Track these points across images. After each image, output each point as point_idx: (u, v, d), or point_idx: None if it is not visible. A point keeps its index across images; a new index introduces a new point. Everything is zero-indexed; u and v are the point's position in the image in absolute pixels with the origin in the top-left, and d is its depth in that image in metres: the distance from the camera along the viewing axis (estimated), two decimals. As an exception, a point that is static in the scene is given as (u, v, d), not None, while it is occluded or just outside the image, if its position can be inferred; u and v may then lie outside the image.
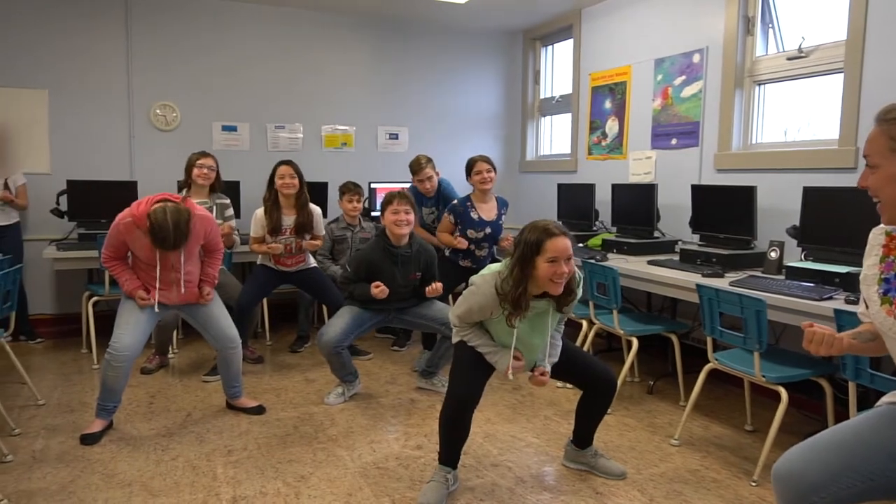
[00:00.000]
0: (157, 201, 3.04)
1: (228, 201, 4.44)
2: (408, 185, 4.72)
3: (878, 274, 1.63)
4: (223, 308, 3.43)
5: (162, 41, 5.20)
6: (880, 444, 1.60)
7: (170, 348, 4.49)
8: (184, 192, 4.12)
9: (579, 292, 2.57)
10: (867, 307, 1.65)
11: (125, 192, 4.68)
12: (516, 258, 2.43)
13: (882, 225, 1.67)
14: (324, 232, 4.39)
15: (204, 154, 4.25)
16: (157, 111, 5.23)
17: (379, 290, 3.48)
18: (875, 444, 1.61)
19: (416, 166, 4.58)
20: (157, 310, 3.23)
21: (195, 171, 4.18)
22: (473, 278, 2.60)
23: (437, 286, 3.60)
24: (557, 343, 2.70)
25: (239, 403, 3.53)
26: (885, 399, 1.75)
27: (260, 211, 4.22)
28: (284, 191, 4.15)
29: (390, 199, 3.58)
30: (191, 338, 4.95)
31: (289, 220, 4.19)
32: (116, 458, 2.95)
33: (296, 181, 4.16)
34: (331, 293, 4.30)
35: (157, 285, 3.18)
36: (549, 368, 2.64)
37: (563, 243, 2.38)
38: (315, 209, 4.30)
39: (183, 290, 3.25)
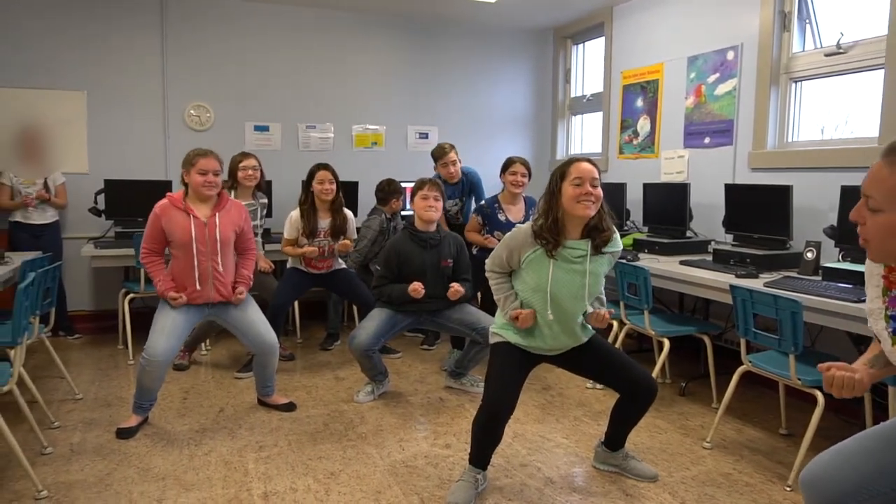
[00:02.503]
0: None
1: (265, 199, 4.52)
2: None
3: (884, 309, 1.56)
4: (259, 312, 3.44)
5: (196, 43, 5.29)
6: None
7: (201, 345, 4.56)
8: (231, 193, 4.16)
9: (616, 236, 2.55)
10: (878, 340, 1.59)
11: (160, 191, 4.69)
12: (545, 193, 2.50)
13: None
14: (356, 235, 4.42)
15: (246, 155, 4.27)
16: (192, 112, 5.32)
17: (415, 289, 3.48)
18: None
19: (440, 151, 4.62)
20: (189, 313, 3.26)
21: (240, 173, 4.20)
22: None
23: (458, 288, 3.56)
24: (603, 298, 2.68)
25: (270, 401, 3.57)
26: None
27: (296, 213, 4.23)
28: (323, 196, 4.16)
29: (421, 184, 3.62)
30: (223, 335, 5.03)
31: (324, 223, 4.22)
32: (151, 453, 3.01)
33: (334, 186, 4.18)
34: (361, 292, 4.32)
35: (196, 274, 3.21)
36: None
37: (587, 166, 2.45)
38: (348, 212, 4.33)
39: (215, 286, 3.28)
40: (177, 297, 3.22)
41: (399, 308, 3.63)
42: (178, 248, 3.23)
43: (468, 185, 4.82)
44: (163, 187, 4.82)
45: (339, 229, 4.24)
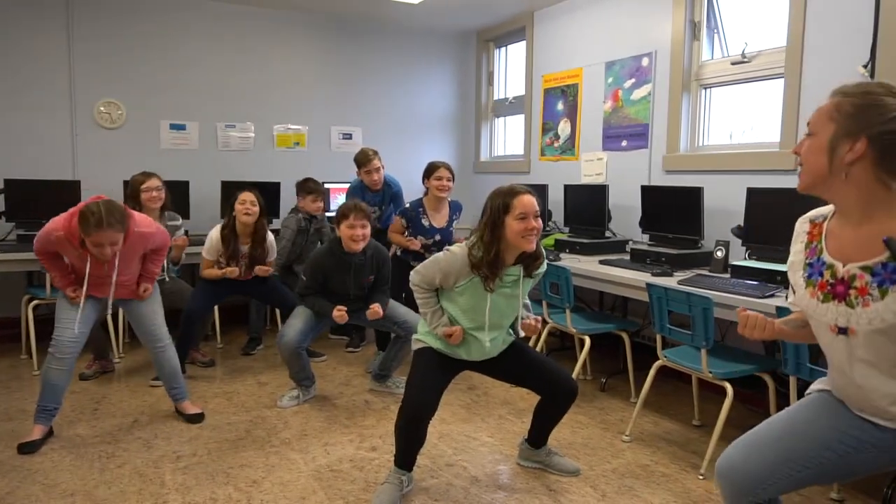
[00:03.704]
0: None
1: (180, 221, 4.32)
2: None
3: (804, 259, 1.69)
4: (158, 307, 3.35)
5: (106, 36, 5.05)
6: (811, 433, 1.67)
7: (112, 352, 4.36)
8: None
9: (544, 263, 2.62)
10: (794, 293, 1.72)
11: (67, 191, 4.53)
12: (485, 223, 2.47)
13: (806, 215, 1.73)
14: (275, 256, 4.30)
15: (148, 175, 4.03)
16: (102, 108, 5.07)
17: (339, 315, 3.48)
18: (806, 433, 1.67)
19: (364, 158, 4.53)
20: (93, 302, 3.15)
21: (143, 195, 3.97)
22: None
23: (376, 310, 3.55)
24: (528, 304, 2.77)
25: (180, 407, 3.44)
26: (813, 387, 1.82)
27: (216, 235, 4.04)
28: (243, 218, 3.99)
29: (346, 212, 3.51)
30: (137, 341, 4.81)
31: (244, 248, 4.09)
32: (58, 467, 2.85)
33: (256, 209, 4.02)
34: (285, 298, 4.24)
35: (85, 287, 3.08)
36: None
37: (530, 199, 2.45)
38: (271, 241, 4.20)
39: (117, 290, 3.18)
40: (74, 296, 3.09)
41: None
42: (74, 270, 3.11)
43: (389, 195, 4.76)
44: (70, 187, 4.59)
45: (258, 259, 4.12)
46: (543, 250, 2.63)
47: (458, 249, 2.55)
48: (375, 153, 4.56)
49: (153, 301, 3.35)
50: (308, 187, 4.59)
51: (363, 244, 3.53)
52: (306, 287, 3.62)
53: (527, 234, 2.42)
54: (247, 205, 3.99)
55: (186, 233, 4.46)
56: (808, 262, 1.67)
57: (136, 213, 3.11)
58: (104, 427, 3.31)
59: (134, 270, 3.24)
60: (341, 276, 3.58)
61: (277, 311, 4.98)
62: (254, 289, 4.25)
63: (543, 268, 2.64)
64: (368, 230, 3.55)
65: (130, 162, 4.13)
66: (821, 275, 1.62)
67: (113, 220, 2.85)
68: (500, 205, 2.45)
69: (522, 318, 2.69)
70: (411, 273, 2.66)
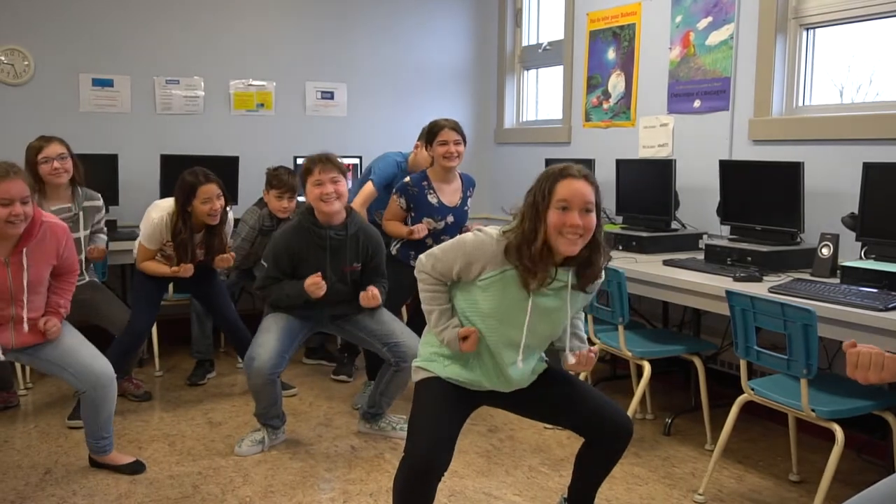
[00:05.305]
0: None
1: (100, 202, 4.31)
2: (346, 162, 4.69)
3: None
4: (79, 334, 3.35)
5: (9, -37, 5.09)
6: None
7: (16, 381, 4.39)
8: (35, 197, 3.95)
9: (601, 276, 2.58)
10: None
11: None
12: (529, 202, 2.46)
13: None
14: (231, 240, 4.35)
15: (46, 139, 4.01)
16: (2, 59, 5.10)
17: (315, 283, 3.47)
18: None
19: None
20: None
21: (42, 167, 3.95)
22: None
23: (374, 292, 3.59)
24: (581, 333, 2.72)
25: (108, 460, 3.44)
26: None
27: (160, 218, 4.02)
28: (211, 220, 4.00)
29: (310, 166, 3.54)
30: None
31: (197, 237, 4.10)
32: (-54, 534, 2.88)
33: (223, 201, 4.03)
34: (226, 312, 4.32)
35: None
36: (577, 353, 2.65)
37: (580, 186, 2.40)
38: (228, 218, 4.22)
39: (26, 328, 3.16)
40: None
41: (295, 312, 3.64)
42: None
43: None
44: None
45: (217, 248, 4.15)
46: (603, 258, 2.55)
47: (491, 230, 2.54)
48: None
49: (71, 332, 3.33)
50: (275, 180, 4.49)
51: (338, 204, 3.55)
52: (268, 277, 3.63)
53: (565, 232, 2.39)
54: (213, 202, 3.96)
55: (114, 225, 4.47)
56: None
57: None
58: (6, 482, 3.32)
59: (43, 300, 3.24)
60: (315, 258, 3.59)
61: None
62: (199, 290, 4.27)
63: (598, 285, 2.62)
64: (343, 186, 3.56)
65: (39, 129, 4.13)
66: None
67: (9, 168, 2.98)
68: (544, 188, 2.43)
69: (572, 350, 2.64)
70: (420, 257, 2.65)
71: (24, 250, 3.09)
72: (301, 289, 3.52)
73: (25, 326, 3.15)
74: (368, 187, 4.47)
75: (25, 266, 3.09)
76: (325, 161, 3.54)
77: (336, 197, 3.52)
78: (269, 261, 3.65)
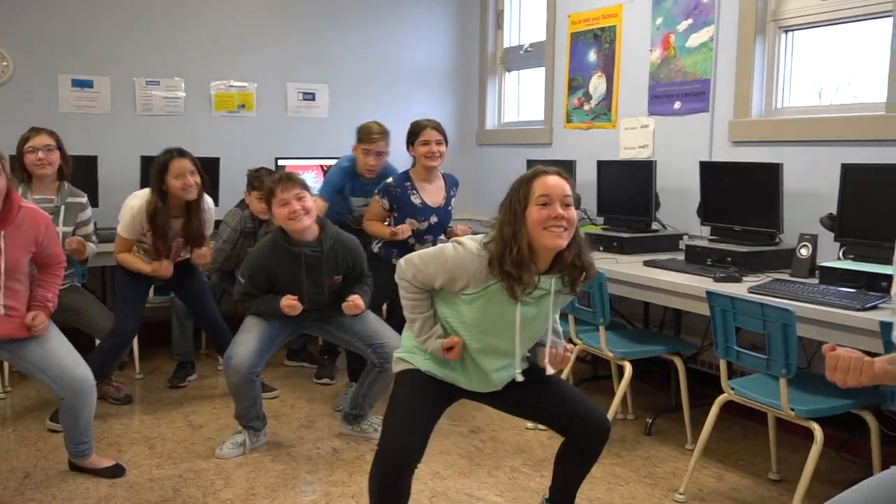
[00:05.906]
0: None
1: (85, 199, 4.27)
2: (326, 164, 4.69)
3: None
4: (63, 338, 3.31)
5: (-14, -37, 5.04)
6: None
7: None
8: (20, 188, 3.92)
9: (593, 272, 2.57)
10: None
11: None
12: (505, 211, 2.47)
13: None
14: (211, 230, 4.31)
15: (37, 130, 4.01)
16: (-20, 59, 5.07)
17: (289, 305, 3.50)
18: None
19: (367, 133, 4.38)
20: None
21: (28, 157, 3.95)
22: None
23: (357, 302, 3.59)
24: (557, 326, 2.74)
25: (87, 464, 3.42)
26: None
27: (139, 206, 3.98)
28: (186, 195, 3.95)
29: (272, 187, 3.51)
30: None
31: (176, 223, 4.07)
32: (-78, 539, 2.85)
33: (197, 177, 3.98)
34: (208, 306, 4.32)
35: None
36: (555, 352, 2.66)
37: (556, 181, 2.43)
38: (208, 203, 4.19)
39: (2, 311, 3.11)
40: None
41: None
42: None
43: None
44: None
45: (195, 233, 4.10)
46: (593, 264, 2.56)
47: (472, 245, 2.52)
48: (385, 134, 4.44)
49: (55, 334, 3.29)
50: (257, 182, 4.48)
51: (307, 220, 3.52)
52: (244, 293, 3.64)
53: (549, 225, 2.40)
54: (187, 177, 3.91)
55: (95, 227, 4.43)
56: None
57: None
58: (-16, 485, 3.30)
59: (25, 286, 3.21)
60: (292, 275, 3.58)
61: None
62: (182, 288, 4.25)
63: (587, 281, 2.61)
64: (308, 201, 3.54)
65: (18, 130, 4.10)
66: None
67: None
68: (521, 191, 2.45)
69: (549, 346, 2.65)
70: (400, 262, 2.64)
71: (2, 234, 3.05)
72: (277, 307, 3.53)
73: (1, 309, 3.10)
74: (318, 203, 4.36)
75: (3, 249, 3.06)
76: (285, 180, 3.52)
77: (304, 213, 3.49)
78: (245, 278, 3.64)
